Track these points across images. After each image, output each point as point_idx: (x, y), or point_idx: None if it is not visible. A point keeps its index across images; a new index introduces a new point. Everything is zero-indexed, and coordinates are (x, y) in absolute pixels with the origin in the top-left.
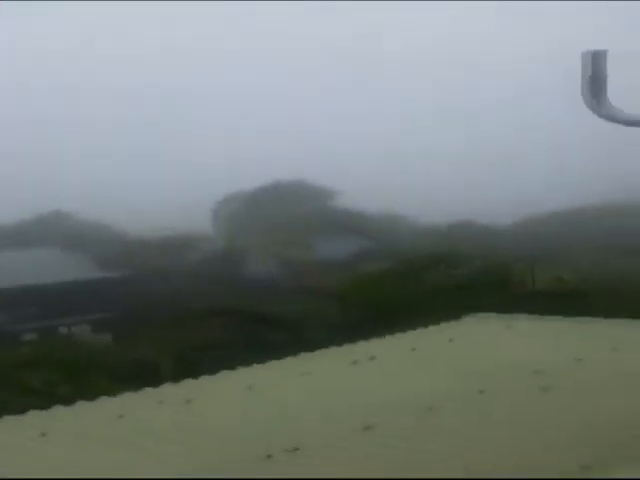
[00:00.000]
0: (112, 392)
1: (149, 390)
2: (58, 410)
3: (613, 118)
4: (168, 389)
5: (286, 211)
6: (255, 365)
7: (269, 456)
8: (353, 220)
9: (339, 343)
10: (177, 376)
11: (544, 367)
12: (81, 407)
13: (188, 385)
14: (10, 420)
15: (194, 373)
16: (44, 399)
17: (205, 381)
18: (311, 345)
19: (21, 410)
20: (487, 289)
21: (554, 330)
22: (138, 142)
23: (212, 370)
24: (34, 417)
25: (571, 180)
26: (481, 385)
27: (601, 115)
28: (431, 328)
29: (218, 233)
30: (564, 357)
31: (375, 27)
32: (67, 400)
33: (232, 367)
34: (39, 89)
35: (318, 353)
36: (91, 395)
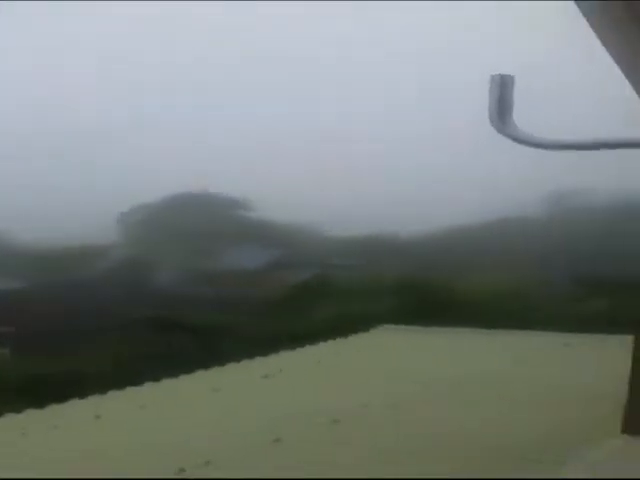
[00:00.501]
0: (15, 409)
1: (54, 407)
2: None
3: (518, 139)
4: (75, 404)
5: (197, 220)
6: (164, 380)
7: (182, 470)
8: (265, 230)
9: (251, 355)
10: (81, 392)
11: (451, 378)
12: None
13: (94, 400)
14: None
15: (101, 388)
16: None
17: (113, 396)
18: (222, 357)
19: None
20: (400, 301)
21: (463, 341)
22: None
23: (119, 385)
24: None
25: (477, 195)
26: (388, 397)
27: (507, 136)
28: (340, 340)
29: (125, 242)
30: (470, 368)
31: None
32: None
33: (141, 382)
34: None
35: (230, 367)
36: None
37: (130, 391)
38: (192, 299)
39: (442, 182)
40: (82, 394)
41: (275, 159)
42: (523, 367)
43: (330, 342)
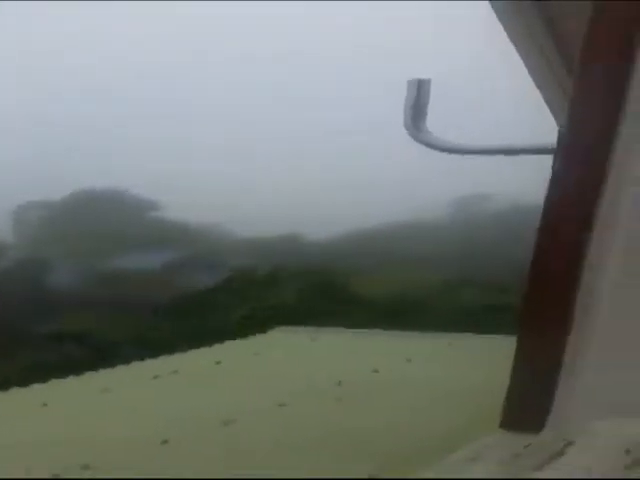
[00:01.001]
0: None
1: None
2: None
3: (431, 145)
4: None
5: (99, 220)
6: (53, 381)
7: (55, 475)
8: (172, 232)
9: (142, 358)
10: None
11: (341, 378)
12: None
13: None
14: None
15: None
16: None
17: None
18: (114, 361)
19: None
20: (304, 301)
21: (355, 343)
22: None
23: (3, 387)
24: None
25: (385, 198)
26: (282, 398)
27: (420, 141)
28: (238, 341)
29: (19, 241)
30: (362, 369)
31: None
32: None
33: (26, 384)
34: None
35: (119, 368)
36: None
37: (15, 392)
38: (87, 301)
39: (351, 185)
40: None
41: (185, 159)
42: (410, 367)
43: (227, 343)
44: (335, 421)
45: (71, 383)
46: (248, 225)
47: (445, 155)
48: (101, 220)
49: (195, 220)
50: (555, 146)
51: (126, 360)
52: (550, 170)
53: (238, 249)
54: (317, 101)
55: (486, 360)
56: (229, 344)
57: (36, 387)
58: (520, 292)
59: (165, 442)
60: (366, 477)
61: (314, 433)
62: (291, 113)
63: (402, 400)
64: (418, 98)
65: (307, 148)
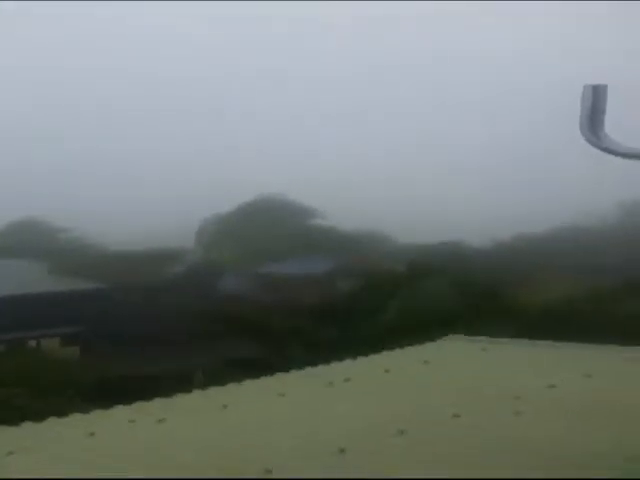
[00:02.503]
0: (82, 409)
1: (120, 408)
2: (28, 427)
3: (609, 150)
4: (140, 407)
5: (266, 229)
6: (230, 384)
7: (268, 470)
8: (332, 238)
9: (313, 362)
10: (149, 394)
11: (518, 392)
12: (52, 424)
13: (160, 404)
14: None
15: (167, 391)
16: (13, 414)
17: (178, 400)
18: (285, 361)
19: None
20: (468, 310)
21: (529, 354)
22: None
23: (186, 388)
24: (2, 433)
25: (551, 202)
26: (456, 409)
27: (597, 147)
28: (406, 349)
29: (199, 249)
30: (538, 382)
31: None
32: (37, 416)
33: (206, 386)
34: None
35: (293, 374)
36: (61, 412)
37: (197, 394)
38: (258, 304)
39: (513, 188)
40: (147, 397)
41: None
42: (587, 381)
43: (397, 351)
44: (513, 435)
45: (248, 386)
46: (408, 231)
47: (612, 158)
48: (266, 226)
49: (355, 226)
50: None
51: (293, 361)
52: None
53: (398, 256)
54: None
55: None
56: (398, 352)
57: (216, 389)
58: None
59: (342, 451)
60: None
61: (491, 446)
62: (451, 123)
63: (579, 413)
64: (594, 104)
65: (469, 156)
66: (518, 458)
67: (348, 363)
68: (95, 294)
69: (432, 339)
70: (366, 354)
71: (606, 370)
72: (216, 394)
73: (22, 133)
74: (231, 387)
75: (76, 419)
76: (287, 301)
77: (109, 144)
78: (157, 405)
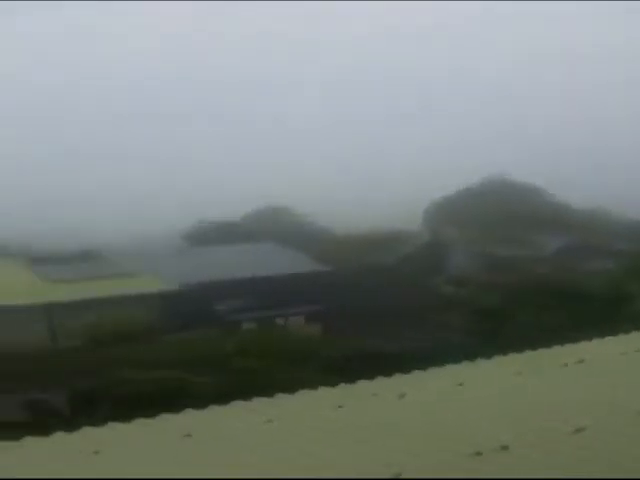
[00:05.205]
0: (324, 382)
1: (364, 383)
2: (281, 398)
3: None
4: (381, 382)
5: (494, 209)
6: (464, 363)
7: (478, 454)
8: (560, 216)
9: (546, 343)
10: (388, 369)
11: None
12: (303, 396)
13: (401, 380)
14: (239, 405)
15: (405, 367)
16: (265, 385)
17: (417, 376)
18: (518, 341)
19: (246, 395)
20: None
21: None
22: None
23: (422, 366)
24: (259, 403)
25: None
26: None
27: None
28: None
29: (427, 231)
30: None
31: None
32: (286, 389)
33: (442, 363)
34: None
35: (528, 354)
36: (305, 383)
37: (433, 371)
38: (485, 284)
39: None
40: (387, 372)
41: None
42: None
43: (633, 333)
44: None
45: (485, 365)
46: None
47: None
48: (494, 207)
49: (578, 203)
50: None
51: (526, 342)
52: None
53: (627, 233)
54: None
55: None
56: (635, 335)
57: (450, 367)
58: None
59: (579, 430)
60: None
61: None
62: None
63: None
64: None
65: None
66: None
67: (583, 345)
68: (332, 275)
69: None
70: (602, 337)
71: None
72: (451, 371)
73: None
74: (465, 365)
75: (324, 392)
76: (517, 282)
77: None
78: (397, 381)
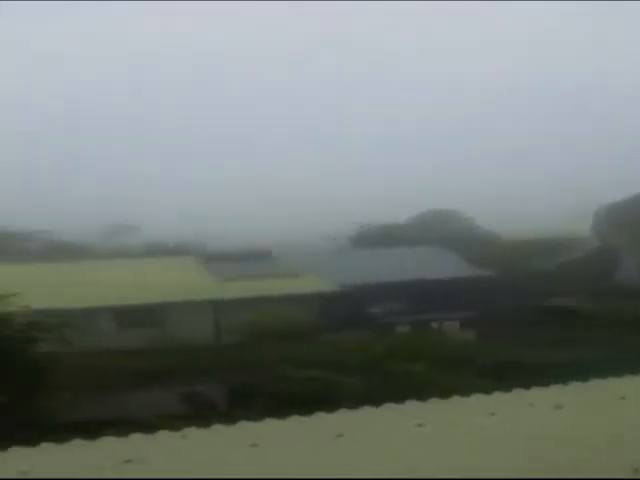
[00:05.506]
0: (477, 388)
1: (520, 391)
2: (434, 402)
3: None
4: (538, 392)
5: None
6: (627, 376)
7: (636, 470)
8: None
9: None
10: (545, 380)
11: None
12: (456, 401)
13: (558, 390)
14: (391, 407)
15: (563, 378)
16: (418, 389)
17: (575, 387)
18: None
19: (398, 397)
20: None
21: None
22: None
23: (581, 378)
24: (412, 406)
25: None
26: None
27: None
28: None
29: (596, 237)
30: None
31: None
32: (440, 393)
33: (603, 376)
34: None
35: None
36: (459, 388)
37: (593, 383)
38: None
39: None
40: (543, 382)
41: None
42: None
43: None
44: None
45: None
46: None
47: None
48: None
49: None
50: None
51: None
52: None
53: None
54: None
55: None
56: None
57: (613, 380)
58: None
59: None
60: None
61: None
62: None
63: None
64: None
65: None
66: None
67: None
68: (489, 281)
69: None
70: None
71: None
72: (613, 384)
73: None
74: (628, 378)
75: (478, 399)
76: None
77: None
78: (554, 391)
